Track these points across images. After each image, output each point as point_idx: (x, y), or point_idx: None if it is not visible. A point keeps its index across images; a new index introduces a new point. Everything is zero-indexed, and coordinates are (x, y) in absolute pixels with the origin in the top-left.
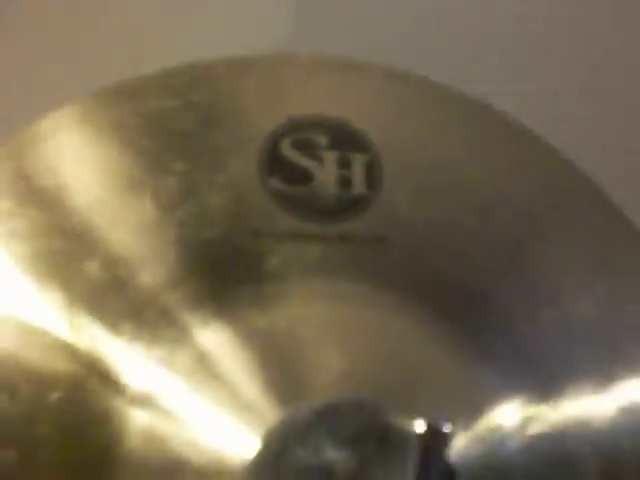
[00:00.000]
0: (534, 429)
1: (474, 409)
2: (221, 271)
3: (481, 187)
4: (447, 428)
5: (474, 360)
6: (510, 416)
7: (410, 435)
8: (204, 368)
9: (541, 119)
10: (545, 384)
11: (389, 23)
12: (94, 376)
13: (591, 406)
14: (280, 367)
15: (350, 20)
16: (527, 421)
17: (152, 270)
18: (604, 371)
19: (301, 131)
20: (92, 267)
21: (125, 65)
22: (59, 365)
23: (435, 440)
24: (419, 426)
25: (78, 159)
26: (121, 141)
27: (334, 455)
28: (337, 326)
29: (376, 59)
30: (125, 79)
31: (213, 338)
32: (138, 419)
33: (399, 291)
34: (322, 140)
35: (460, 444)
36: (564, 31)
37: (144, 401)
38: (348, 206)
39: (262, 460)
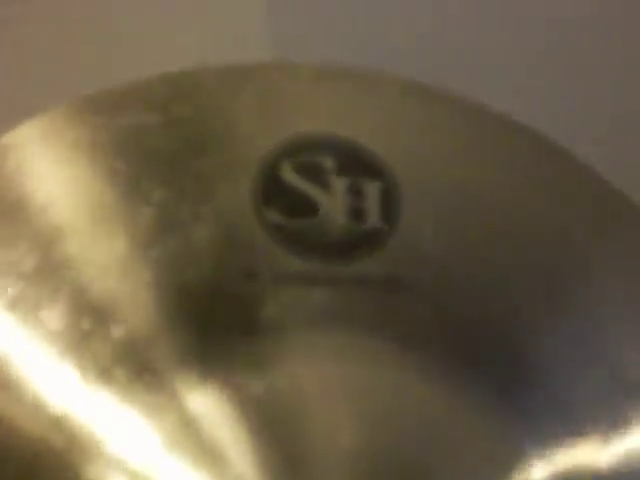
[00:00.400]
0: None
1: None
2: (207, 322)
3: (514, 216)
4: None
5: (509, 423)
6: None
7: None
8: (188, 437)
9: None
10: (587, 443)
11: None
12: (62, 438)
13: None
14: (278, 440)
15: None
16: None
17: (125, 320)
18: None
19: (305, 153)
20: (53, 315)
21: (99, 74)
22: (24, 424)
23: None
24: None
25: (41, 182)
26: (91, 162)
27: None
28: (347, 390)
29: (388, 69)
30: (98, 90)
31: (198, 403)
32: None
33: (421, 346)
34: (329, 163)
35: None
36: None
37: (119, 468)
38: (360, 242)
39: None
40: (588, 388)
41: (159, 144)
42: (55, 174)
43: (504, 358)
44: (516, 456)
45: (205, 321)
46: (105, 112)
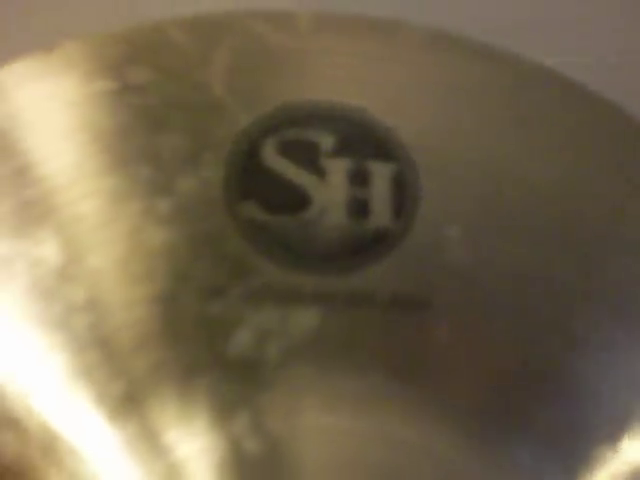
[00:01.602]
0: None
1: None
2: (160, 351)
3: (572, 208)
4: None
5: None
6: None
7: None
8: None
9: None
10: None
11: None
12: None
13: None
14: None
15: None
16: None
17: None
18: None
19: (294, 127)
20: None
21: (43, 32)
22: None
23: None
24: None
25: None
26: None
27: None
28: (341, 448)
29: (410, 19)
30: (39, 51)
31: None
32: None
33: (442, 388)
34: (325, 142)
35: None
36: None
37: None
38: (364, 246)
39: None
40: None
41: (111, 118)
42: None
43: (560, 411)
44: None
45: (155, 351)
46: (45, 77)
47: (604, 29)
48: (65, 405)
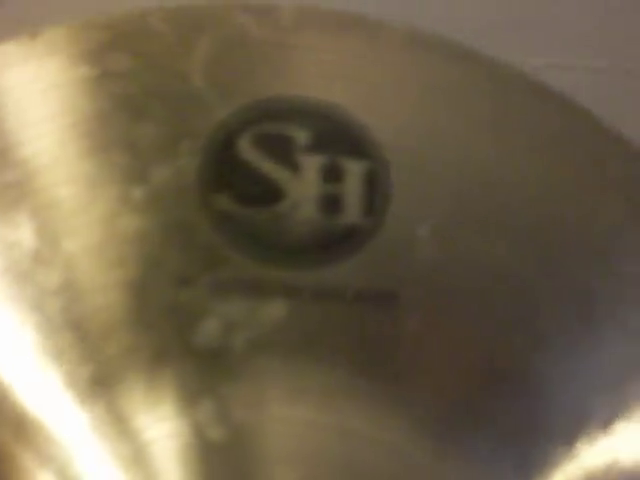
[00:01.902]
0: None
1: None
2: (130, 336)
3: (545, 211)
4: None
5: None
6: None
7: None
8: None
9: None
10: None
11: None
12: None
13: None
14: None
15: None
16: None
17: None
18: None
19: (269, 122)
20: None
21: (26, 18)
22: None
23: None
24: None
25: None
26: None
27: None
28: (304, 440)
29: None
30: (22, 36)
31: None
32: None
33: (410, 386)
34: (301, 137)
35: None
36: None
37: None
38: (335, 241)
39: None
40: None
41: (87, 104)
42: None
43: (518, 410)
44: None
45: (126, 339)
46: (23, 62)
47: (586, 30)
48: (36, 387)
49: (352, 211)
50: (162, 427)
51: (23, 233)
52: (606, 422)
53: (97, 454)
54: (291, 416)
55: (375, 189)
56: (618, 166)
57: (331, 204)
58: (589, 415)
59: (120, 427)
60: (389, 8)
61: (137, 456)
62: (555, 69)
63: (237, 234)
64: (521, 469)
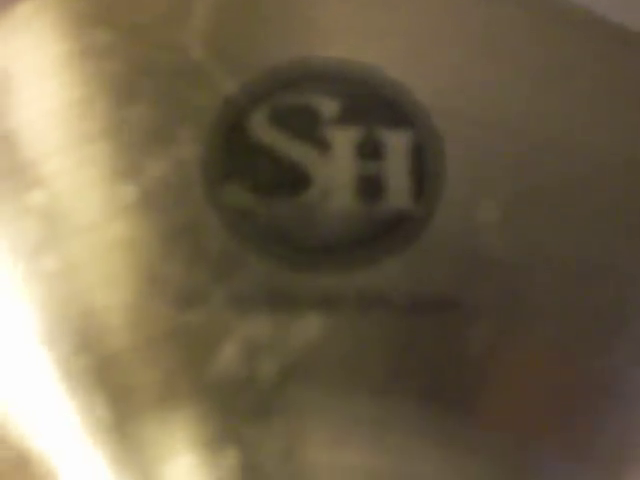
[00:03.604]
0: None
1: None
2: (129, 375)
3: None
4: None
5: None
6: None
7: None
8: None
9: None
10: None
11: None
12: None
13: None
14: None
15: None
16: None
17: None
18: None
19: (286, 93)
20: None
21: None
22: None
23: None
24: None
25: None
26: None
27: None
28: None
29: None
30: None
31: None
32: None
33: (470, 410)
34: (329, 108)
35: None
36: None
37: None
38: (377, 236)
39: None
40: None
41: (65, 86)
42: None
43: (610, 432)
44: None
45: (124, 380)
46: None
47: None
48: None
49: (397, 194)
50: None
51: None
52: None
53: None
54: (337, 462)
55: (424, 166)
56: None
57: (370, 187)
58: None
59: None
60: None
61: None
62: None
63: (255, 233)
64: None
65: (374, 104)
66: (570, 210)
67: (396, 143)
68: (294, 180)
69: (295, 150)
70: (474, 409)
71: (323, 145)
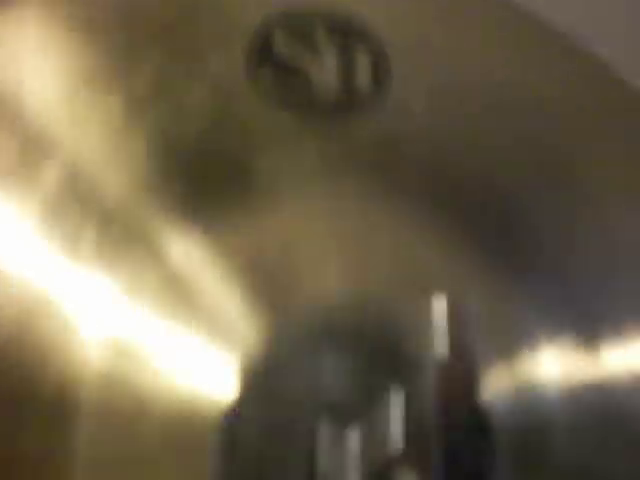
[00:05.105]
0: (577, 377)
1: (507, 346)
2: (201, 177)
3: (509, 88)
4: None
5: (505, 285)
6: (549, 360)
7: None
8: (176, 291)
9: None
10: (587, 323)
11: None
12: (45, 309)
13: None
14: (269, 293)
15: None
16: (569, 367)
17: (119, 179)
18: None
19: (296, 18)
20: (49, 175)
21: None
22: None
23: (460, 372)
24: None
25: (37, 51)
26: (86, 30)
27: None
28: (339, 243)
29: None
30: None
31: (188, 256)
32: (97, 357)
33: (414, 202)
34: (320, 27)
35: (492, 387)
36: None
37: (104, 338)
38: (352, 100)
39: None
40: (583, 255)
41: (153, 11)
42: (50, 43)
43: (500, 222)
44: (525, 338)
45: (197, 177)
46: None
47: None
48: None
49: (364, 79)
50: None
51: None
52: None
53: None
54: (327, 222)
55: (380, 63)
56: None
57: (346, 77)
58: None
59: None
60: None
61: None
62: None
63: (278, 97)
64: None
65: (349, 28)
66: (481, 116)
67: (363, 50)
68: (301, 67)
69: (301, 50)
70: None
71: (318, 48)
